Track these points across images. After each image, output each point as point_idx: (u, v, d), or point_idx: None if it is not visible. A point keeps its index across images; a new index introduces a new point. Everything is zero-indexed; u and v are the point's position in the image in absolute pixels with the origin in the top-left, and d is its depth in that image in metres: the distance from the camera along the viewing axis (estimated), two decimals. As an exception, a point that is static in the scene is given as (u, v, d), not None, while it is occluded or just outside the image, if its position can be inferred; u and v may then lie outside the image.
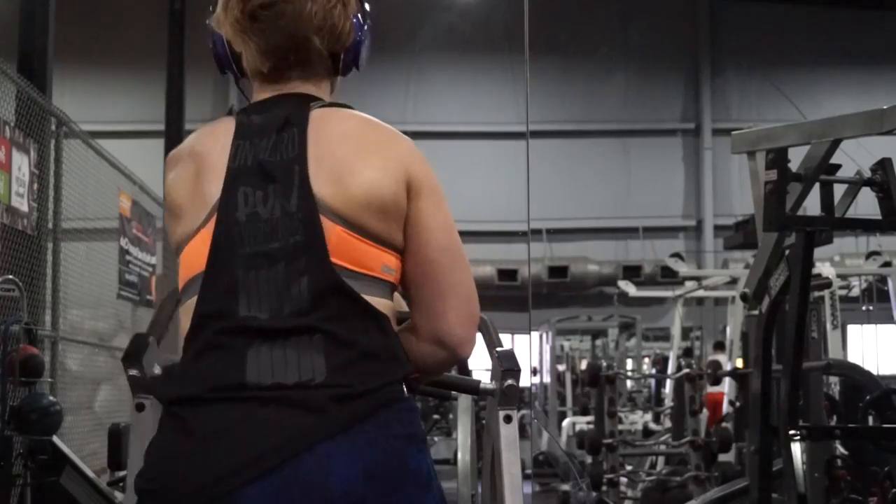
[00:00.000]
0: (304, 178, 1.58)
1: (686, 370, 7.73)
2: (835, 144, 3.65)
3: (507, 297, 13.27)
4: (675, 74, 17.57)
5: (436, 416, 10.51)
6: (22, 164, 5.43)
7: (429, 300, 1.66)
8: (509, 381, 2.09)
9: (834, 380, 6.95)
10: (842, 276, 9.18)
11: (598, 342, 16.78)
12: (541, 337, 14.52)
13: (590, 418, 10.08)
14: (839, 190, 3.72)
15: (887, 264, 9.31)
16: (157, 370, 2.04)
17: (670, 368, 10.73)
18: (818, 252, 3.96)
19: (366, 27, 1.75)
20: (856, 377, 5.37)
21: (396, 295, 1.67)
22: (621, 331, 15.27)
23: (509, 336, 12.26)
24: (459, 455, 3.90)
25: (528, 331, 6.32)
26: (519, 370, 2.11)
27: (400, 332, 1.66)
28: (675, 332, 11.55)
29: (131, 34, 15.05)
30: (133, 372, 2.03)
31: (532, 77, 4.68)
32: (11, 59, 6.15)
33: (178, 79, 11.20)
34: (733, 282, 10.77)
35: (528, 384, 13.05)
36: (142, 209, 8.20)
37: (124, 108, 15.46)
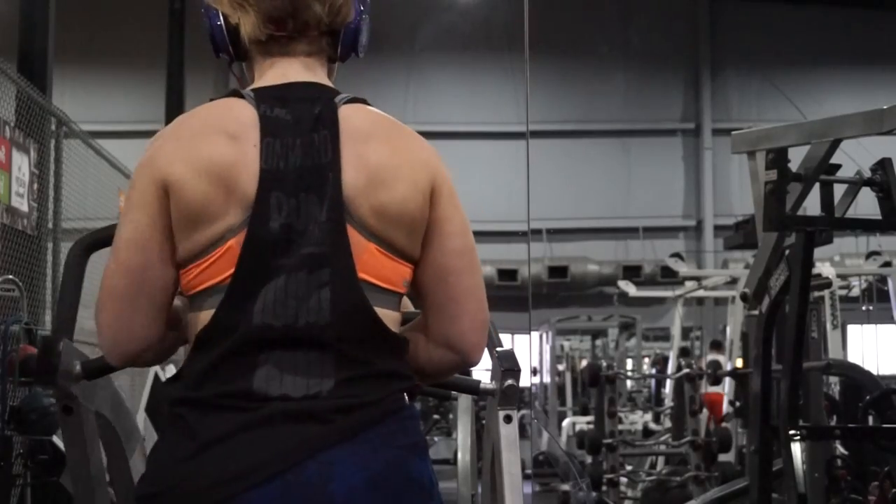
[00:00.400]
0: (336, 188, 1.54)
1: (686, 370, 7.74)
2: (835, 144, 3.66)
3: (507, 297, 13.25)
4: (675, 74, 17.57)
5: (436, 416, 10.52)
6: (22, 164, 5.43)
7: (442, 304, 1.64)
8: (509, 381, 2.09)
9: (834, 380, 6.96)
10: (842, 276, 9.17)
11: (598, 342, 16.77)
12: (541, 337, 14.51)
13: (590, 418, 10.08)
14: (839, 190, 3.73)
15: (887, 264, 9.30)
16: (78, 369, 1.94)
17: (670, 368, 10.73)
18: (818, 252, 3.96)
19: (363, 8, 1.70)
20: (856, 377, 5.38)
21: (404, 297, 1.65)
22: (621, 331, 15.26)
23: (509, 336, 12.25)
24: (459, 455, 3.91)
25: (528, 331, 6.31)
26: (519, 370, 2.11)
27: (407, 332, 1.65)
28: (675, 332, 11.54)
29: (131, 34, 15.04)
30: (51, 391, 1.95)
31: (532, 77, 4.67)
32: (11, 59, 6.15)
33: (178, 79, 11.20)
34: (733, 282, 10.76)
35: (528, 384, 13.04)
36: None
37: (124, 108, 15.45)
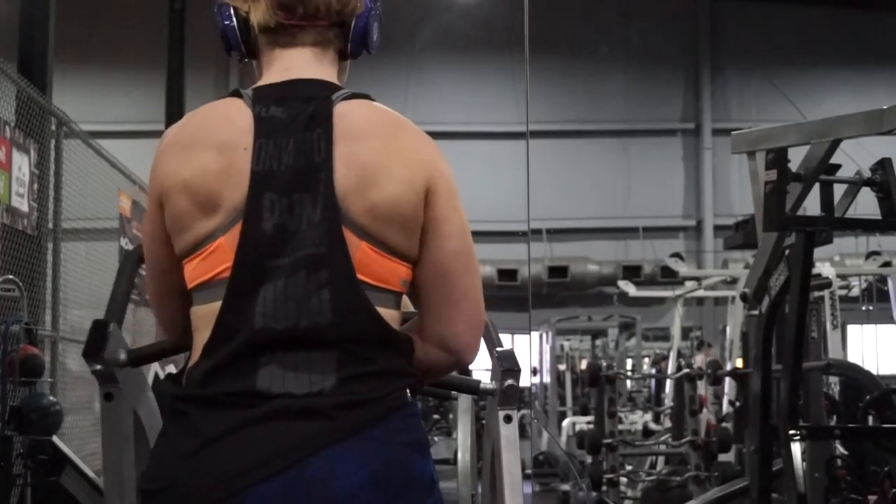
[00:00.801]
0: (329, 187, 1.54)
1: (686, 370, 7.74)
2: (835, 144, 3.65)
3: (507, 297, 13.28)
4: (675, 74, 17.58)
5: (436, 416, 10.51)
6: (22, 164, 5.43)
7: (439, 304, 1.64)
8: (509, 381, 2.09)
9: (834, 380, 6.96)
10: (842, 276, 9.17)
11: (598, 342, 16.77)
12: (541, 337, 14.51)
13: (590, 418, 10.08)
14: (839, 190, 3.73)
15: (887, 264, 9.30)
16: (123, 356, 1.98)
17: (670, 368, 10.73)
18: (818, 252, 3.96)
19: (373, 3, 1.70)
20: (856, 377, 5.37)
21: (403, 297, 1.66)
22: (621, 331, 15.27)
23: (509, 336, 12.26)
24: (459, 455, 3.91)
25: (528, 331, 6.31)
26: (519, 370, 2.11)
27: (404, 332, 1.65)
28: (675, 332, 11.54)
29: (131, 34, 15.06)
30: (97, 367, 1.97)
31: (532, 77, 4.67)
32: (11, 59, 6.15)
33: (178, 79, 11.19)
34: (733, 282, 10.77)
35: (528, 384, 13.04)
36: (142, 209, 8.20)
37: (124, 108, 15.47)
